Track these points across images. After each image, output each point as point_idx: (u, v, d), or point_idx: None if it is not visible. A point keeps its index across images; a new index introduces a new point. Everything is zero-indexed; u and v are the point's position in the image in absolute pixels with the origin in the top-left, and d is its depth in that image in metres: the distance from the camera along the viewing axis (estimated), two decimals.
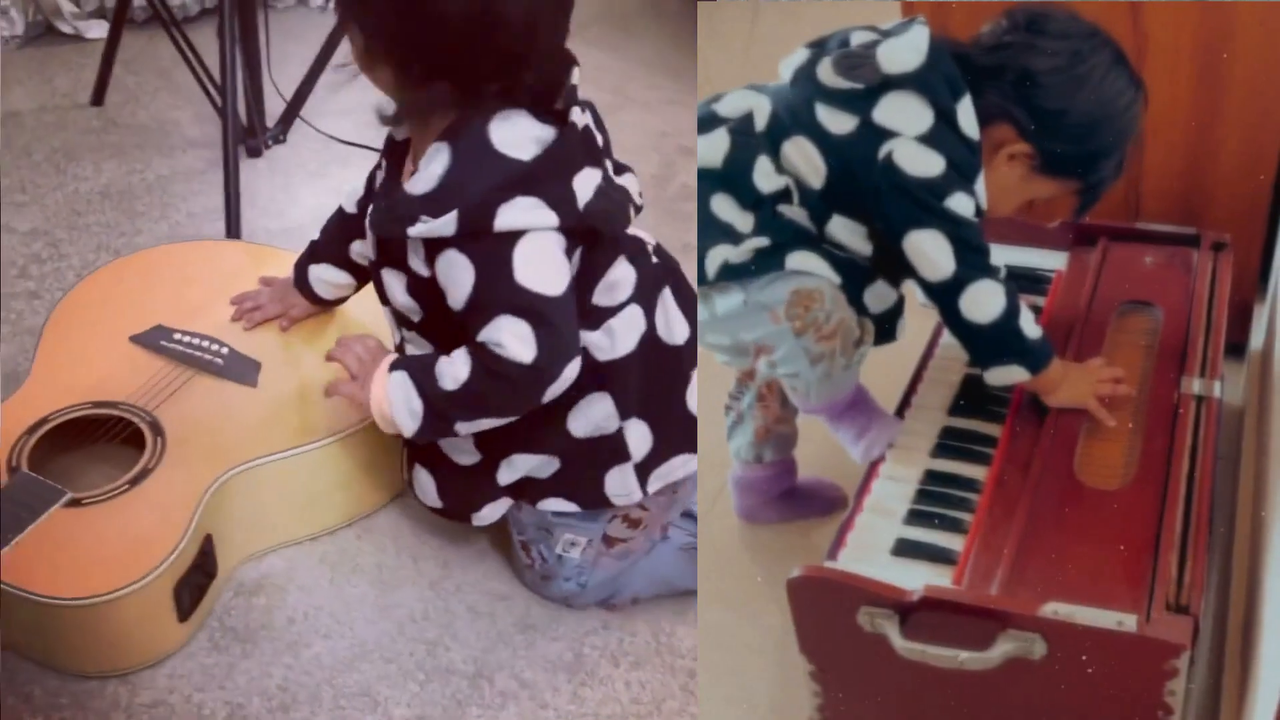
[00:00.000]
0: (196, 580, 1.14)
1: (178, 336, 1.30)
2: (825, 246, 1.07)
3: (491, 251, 0.98)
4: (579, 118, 1.02)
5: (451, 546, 1.27)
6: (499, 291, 0.99)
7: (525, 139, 0.99)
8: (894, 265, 1.06)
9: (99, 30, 2.19)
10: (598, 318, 1.08)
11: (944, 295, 1.02)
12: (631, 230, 1.11)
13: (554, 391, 1.03)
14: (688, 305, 1.13)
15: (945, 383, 1.15)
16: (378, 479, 1.28)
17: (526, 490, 1.14)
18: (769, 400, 1.19)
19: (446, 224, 0.97)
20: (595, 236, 1.03)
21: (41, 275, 1.61)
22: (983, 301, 1.01)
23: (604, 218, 1.02)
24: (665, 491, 1.15)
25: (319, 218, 1.29)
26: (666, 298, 1.12)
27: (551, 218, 0.98)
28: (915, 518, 1.00)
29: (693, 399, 1.13)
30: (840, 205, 1.04)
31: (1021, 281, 1.23)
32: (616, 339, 1.08)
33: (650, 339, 1.09)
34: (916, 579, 0.91)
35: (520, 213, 0.98)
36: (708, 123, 1.10)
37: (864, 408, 1.11)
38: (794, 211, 1.06)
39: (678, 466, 1.14)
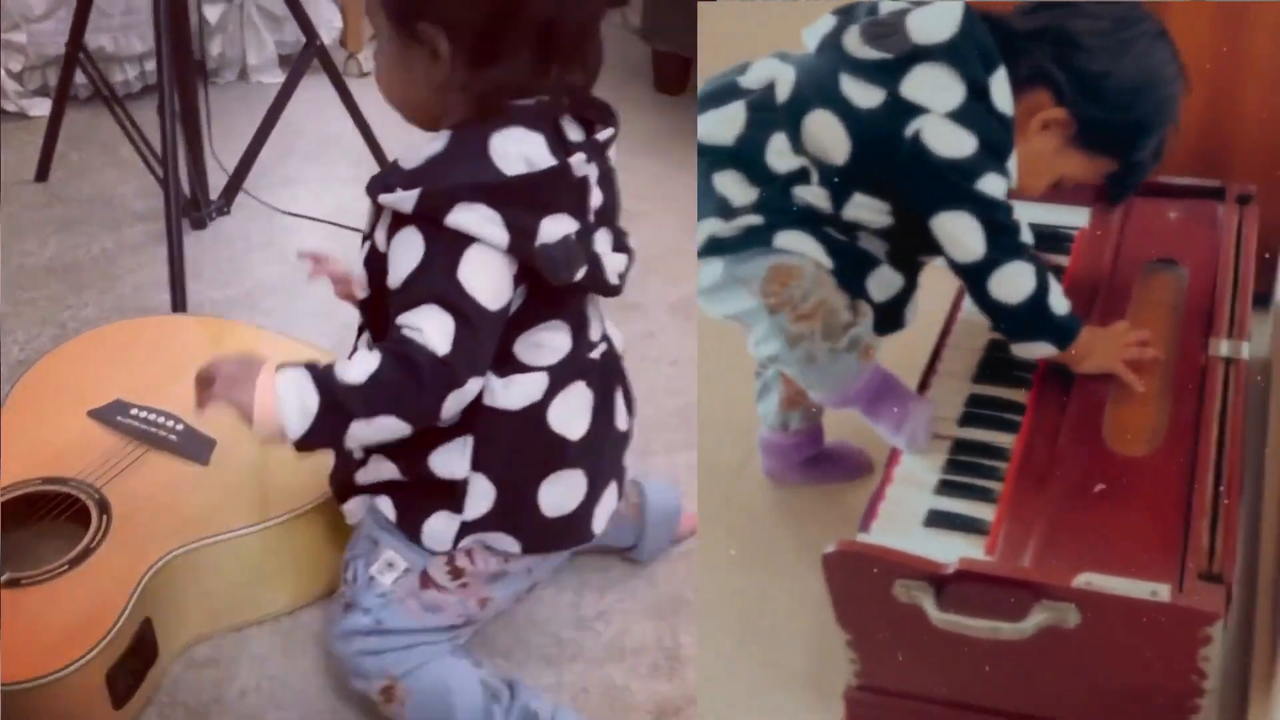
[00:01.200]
0: (133, 666, 1.10)
1: (134, 411, 1.28)
2: (827, 231, 1.04)
3: (446, 243, 0.96)
4: (582, 167, 0.98)
5: None
6: (437, 280, 0.97)
7: (520, 156, 0.97)
8: (916, 244, 1.05)
9: (42, 108, 2.24)
10: (508, 368, 1.03)
11: (973, 276, 1.01)
12: (607, 312, 1.07)
13: (453, 406, 0.98)
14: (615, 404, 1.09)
15: (970, 349, 1.15)
16: (331, 560, 1.20)
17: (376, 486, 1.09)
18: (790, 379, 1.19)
19: (407, 199, 0.96)
20: (542, 281, 0.99)
21: None
22: (1013, 283, 1.00)
23: (552, 265, 0.97)
24: (492, 561, 1.08)
25: (265, 288, 1.27)
26: (577, 391, 1.05)
27: (503, 237, 0.96)
28: (946, 488, 1.01)
29: (564, 500, 1.06)
30: (862, 183, 1.02)
31: (1043, 240, 1.22)
32: (510, 395, 1.03)
33: (538, 418, 1.04)
34: (949, 550, 0.92)
35: (475, 220, 0.95)
36: (726, 94, 1.07)
37: (893, 396, 1.08)
38: (811, 192, 1.04)
39: (508, 545, 1.07)
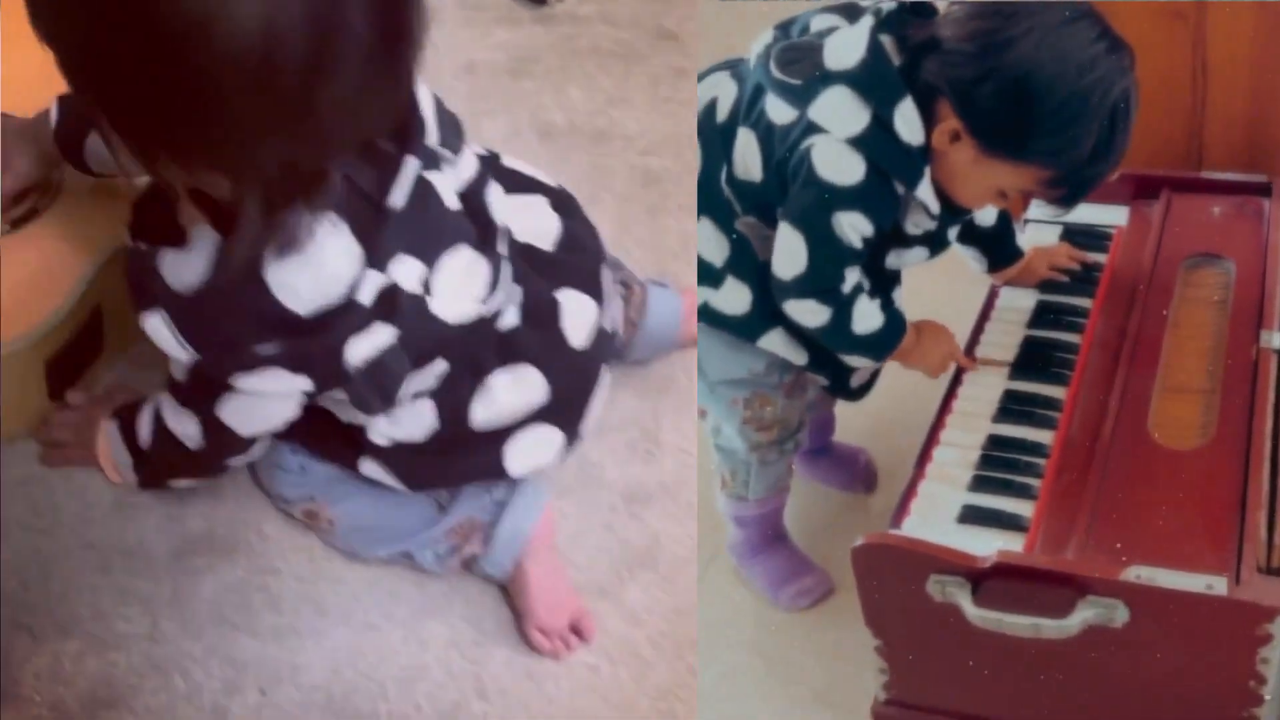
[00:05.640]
0: (75, 358, 0.98)
1: None
2: None
3: (215, 387, 0.87)
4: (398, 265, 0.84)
5: None
6: (193, 403, 0.90)
7: (317, 279, 0.80)
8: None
9: None
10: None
11: (775, 289, 0.98)
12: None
13: (240, 462, 0.98)
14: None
15: (1004, 345, 1.09)
16: None
17: None
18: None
19: (179, 354, 0.83)
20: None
21: None
22: (804, 314, 0.98)
23: (363, 401, 0.88)
24: None
25: None
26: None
27: (304, 384, 0.86)
28: (980, 484, 0.95)
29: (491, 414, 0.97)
30: (777, 200, 0.98)
31: (1080, 238, 1.18)
32: (400, 428, 0.95)
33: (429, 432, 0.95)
34: (986, 546, 0.86)
35: (263, 382, 0.84)
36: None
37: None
38: (746, 224, 1.01)
39: None
